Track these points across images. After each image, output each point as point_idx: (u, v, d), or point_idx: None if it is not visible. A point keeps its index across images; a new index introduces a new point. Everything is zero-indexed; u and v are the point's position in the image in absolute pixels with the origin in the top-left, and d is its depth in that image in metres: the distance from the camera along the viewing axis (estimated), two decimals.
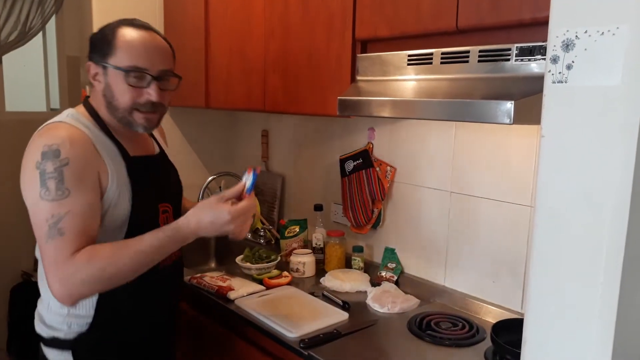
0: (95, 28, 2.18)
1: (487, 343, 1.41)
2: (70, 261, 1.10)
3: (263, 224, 2.39)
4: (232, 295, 1.69)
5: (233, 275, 1.88)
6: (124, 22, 1.25)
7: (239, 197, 1.25)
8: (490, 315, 1.58)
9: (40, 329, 1.30)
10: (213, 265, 2.48)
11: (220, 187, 2.54)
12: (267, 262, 1.94)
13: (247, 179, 1.26)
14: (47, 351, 1.28)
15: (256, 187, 2.49)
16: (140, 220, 1.25)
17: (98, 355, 1.29)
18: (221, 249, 2.50)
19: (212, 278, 1.80)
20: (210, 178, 2.39)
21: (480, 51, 1.23)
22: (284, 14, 1.75)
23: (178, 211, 1.42)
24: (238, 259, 1.98)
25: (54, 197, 1.11)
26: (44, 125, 1.21)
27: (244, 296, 1.70)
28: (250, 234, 2.43)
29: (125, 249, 1.15)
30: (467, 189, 1.66)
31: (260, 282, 1.83)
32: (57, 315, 1.26)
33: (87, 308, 1.25)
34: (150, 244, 1.16)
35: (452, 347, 1.41)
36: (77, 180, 1.13)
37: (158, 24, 2.36)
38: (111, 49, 1.21)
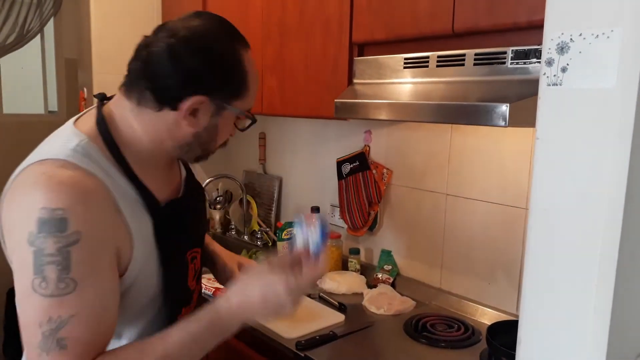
0: (94, 31, 2.22)
1: (483, 345, 1.42)
2: None
3: (260, 226, 2.40)
4: None
5: None
6: (239, 40, 0.93)
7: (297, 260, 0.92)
8: (486, 317, 1.58)
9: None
10: None
11: (217, 190, 2.55)
12: None
13: (310, 233, 0.91)
14: None
15: (253, 190, 2.50)
16: (172, 288, 0.96)
17: None
18: None
19: (210, 280, 1.80)
20: (207, 180, 2.39)
21: (476, 54, 1.24)
22: (282, 17, 1.76)
23: (203, 247, 1.14)
24: None
25: (53, 291, 0.76)
26: (39, 159, 0.83)
27: None
28: (247, 236, 2.43)
29: (148, 355, 0.82)
30: (462, 192, 1.66)
31: None
32: None
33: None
34: (181, 343, 0.83)
35: (447, 349, 1.42)
36: (89, 265, 0.79)
37: (156, 24, 2.36)
38: (243, 89, 0.91)
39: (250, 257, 1.99)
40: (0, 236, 0.86)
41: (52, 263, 0.76)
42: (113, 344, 0.87)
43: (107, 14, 2.23)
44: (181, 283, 1.00)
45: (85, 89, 2.28)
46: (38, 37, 3.07)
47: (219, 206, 2.55)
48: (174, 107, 0.88)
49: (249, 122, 0.98)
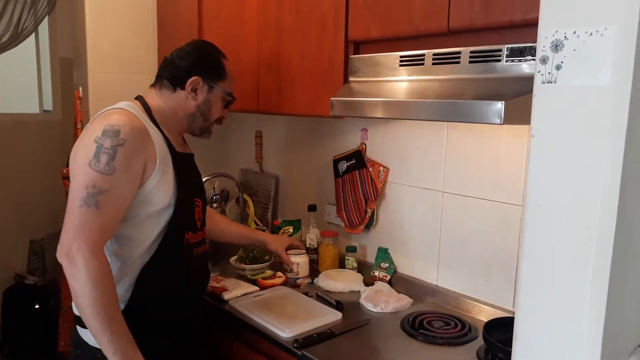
0: (89, 30, 2.21)
1: (480, 342, 1.42)
2: (95, 256, 1.17)
3: (257, 224, 2.40)
4: (226, 295, 1.69)
5: (227, 275, 1.89)
6: (220, 53, 1.50)
7: None
8: (483, 314, 1.59)
9: (76, 309, 1.30)
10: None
11: (214, 188, 2.55)
12: (261, 263, 1.95)
13: None
14: (83, 332, 1.31)
15: (250, 188, 2.51)
16: (181, 210, 1.36)
17: (136, 335, 1.25)
18: (215, 250, 2.49)
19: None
20: (204, 179, 2.38)
21: (471, 52, 1.25)
22: (277, 14, 1.76)
23: (205, 208, 1.53)
24: (232, 260, 1.98)
25: (101, 169, 1.19)
26: (105, 109, 1.32)
27: (238, 297, 1.70)
28: None
29: (108, 314, 1.17)
30: (458, 189, 1.67)
31: (255, 282, 1.83)
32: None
33: (123, 289, 1.30)
34: (110, 331, 1.17)
35: (444, 346, 1.42)
36: (125, 163, 1.22)
37: (151, 25, 2.35)
38: (223, 75, 1.47)
39: (246, 255, 1.99)
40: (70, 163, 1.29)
41: (105, 153, 1.21)
42: (142, 257, 1.33)
43: (101, 13, 2.22)
44: (188, 212, 1.40)
45: (80, 88, 2.27)
46: (32, 36, 3.05)
47: (215, 205, 2.54)
48: (182, 87, 1.41)
49: (230, 99, 1.50)
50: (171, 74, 1.42)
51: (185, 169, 1.41)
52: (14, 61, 3.08)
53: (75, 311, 1.31)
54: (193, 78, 1.40)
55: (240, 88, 1.95)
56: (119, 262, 1.32)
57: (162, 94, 1.42)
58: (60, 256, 1.17)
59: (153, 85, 1.45)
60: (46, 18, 3.03)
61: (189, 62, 1.42)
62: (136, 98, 1.42)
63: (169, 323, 1.41)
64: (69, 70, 2.78)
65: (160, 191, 1.31)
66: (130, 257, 1.32)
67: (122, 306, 1.28)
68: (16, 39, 2.89)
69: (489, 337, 1.33)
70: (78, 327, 1.33)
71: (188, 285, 1.44)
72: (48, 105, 3.30)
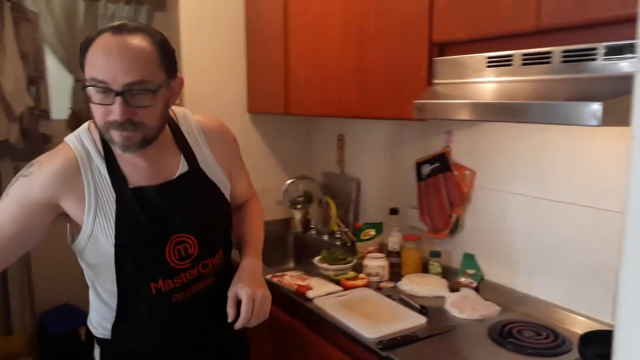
0: (183, 43, 2.37)
1: (574, 355, 1.35)
2: None
3: (339, 226, 2.44)
4: (310, 294, 1.74)
5: (311, 275, 1.94)
6: (106, 28, 1.07)
7: None
8: (577, 326, 1.50)
9: (88, 318, 1.33)
10: (292, 265, 2.56)
11: (298, 190, 2.62)
12: (344, 264, 1.98)
13: None
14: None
15: (332, 190, 2.55)
16: (133, 256, 1.16)
17: None
18: (299, 250, 2.57)
19: (292, 277, 1.87)
20: (288, 182, 2.47)
21: (563, 51, 1.19)
22: (361, 20, 1.78)
23: (211, 239, 1.27)
24: (315, 260, 2.03)
25: (4, 193, 1.12)
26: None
27: (322, 296, 1.74)
28: (326, 236, 2.48)
29: None
30: (551, 194, 1.59)
31: (337, 282, 1.86)
32: (91, 311, 1.30)
33: (107, 321, 1.24)
34: None
35: (535, 357, 1.37)
36: (17, 194, 1.10)
37: (241, 37, 2.47)
38: (84, 59, 1.06)
39: (330, 256, 2.02)
40: None
41: (11, 183, 1.12)
42: (91, 292, 1.26)
43: (195, 26, 2.37)
44: (146, 258, 1.18)
45: None
46: None
47: (299, 206, 2.62)
48: None
49: (96, 90, 1.05)
50: None
51: (146, 206, 1.16)
52: None
53: (92, 330, 1.29)
54: None
55: (324, 93, 2.01)
56: (99, 303, 1.26)
57: None
58: None
59: None
60: None
61: None
62: None
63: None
64: None
65: (99, 239, 1.14)
66: (104, 299, 1.24)
67: (108, 335, 1.25)
68: None
69: (585, 350, 1.26)
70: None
71: (170, 337, 1.27)
72: None
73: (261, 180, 2.61)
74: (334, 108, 1.96)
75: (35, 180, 1.10)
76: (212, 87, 2.43)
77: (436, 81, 1.52)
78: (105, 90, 1.03)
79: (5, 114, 2.58)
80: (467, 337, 1.50)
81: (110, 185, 1.14)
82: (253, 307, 1.21)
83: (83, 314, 3.01)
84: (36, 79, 2.72)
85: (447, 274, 1.90)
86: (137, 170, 1.17)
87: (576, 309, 1.54)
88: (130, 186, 1.16)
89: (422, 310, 1.63)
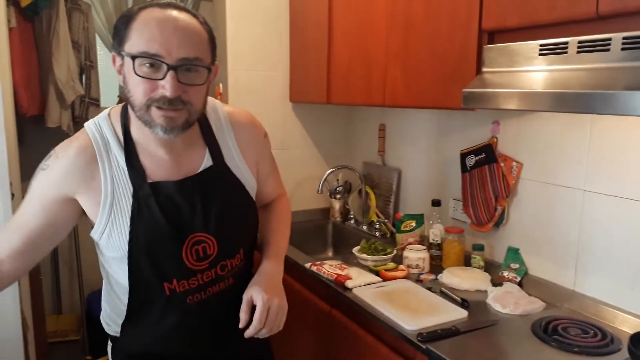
0: (229, 31, 2.39)
1: (624, 355, 1.30)
2: None
3: (378, 217, 2.42)
4: (349, 284, 1.74)
5: (350, 264, 1.94)
6: (150, 4, 1.02)
7: None
8: (627, 325, 1.45)
9: (101, 313, 1.30)
10: (330, 254, 2.57)
11: (337, 180, 2.62)
12: (384, 255, 1.97)
13: None
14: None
15: (372, 181, 2.53)
16: (146, 254, 1.10)
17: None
18: (337, 239, 2.58)
19: (331, 266, 1.87)
20: (328, 171, 2.47)
21: (624, 38, 1.13)
22: (407, 6, 1.75)
23: (232, 240, 1.19)
24: (355, 250, 2.03)
25: (28, 189, 1.09)
26: None
27: (361, 286, 1.74)
28: (365, 226, 2.47)
29: None
30: (603, 188, 1.53)
31: (377, 273, 1.86)
32: (105, 310, 1.26)
33: (119, 317, 1.20)
34: None
35: (582, 355, 1.32)
36: (38, 188, 1.08)
37: (284, 25, 2.48)
38: (127, 33, 0.99)
39: (369, 247, 2.02)
40: None
41: (33, 177, 1.09)
42: (104, 285, 1.22)
43: (240, 15, 2.39)
44: (162, 256, 1.10)
45: (221, 85, 2.47)
46: None
47: (338, 196, 2.62)
48: None
49: (147, 62, 0.98)
50: None
51: (163, 203, 1.09)
52: None
53: (105, 326, 1.27)
54: (112, 57, 1.07)
55: (367, 82, 1.99)
56: (113, 296, 1.22)
57: None
58: None
59: None
60: None
61: None
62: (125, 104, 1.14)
63: None
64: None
65: (112, 234, 1.09)
66: (117, 293, 1.20)
67: (117, 332, 1.22)
68: None
69: (636, 350, 1.21)
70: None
71: (180, 341, 1.20)
72: None
73: (301, 169, 2.63)
74: (378, 97, 1.94)
75: (50, 175, 1.06)
76: (256, 76, 2.45)
77: (485, 69, 1.48)
78: (155, 64, 0.97)
79: (58, 102, 2.69)
80: (510, 332, 1.46)
81: (128, 178, 1.07)
82: (267, 317, 1.13)
83: None
84: (87, 68, 2.81)
85: (490, 267, 1.87)
86: (158, 163, 1.10)
87: (626, 307, 1.48)
88: (149, 180, 1.09)
89: (464, 304, 1.61)
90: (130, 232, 1.08)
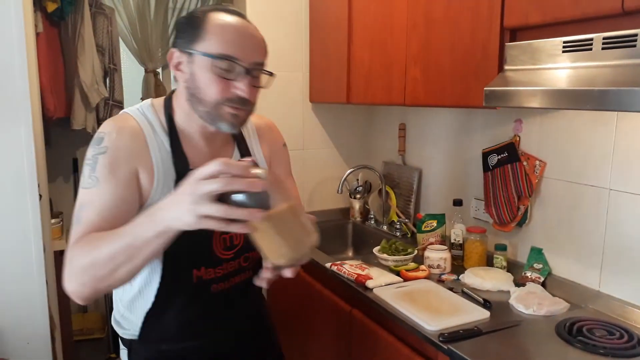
0: None
1: None
2: (70, 248, 0.98)
3: (399, 217, 2.41)
4: (370, 284, 1.74)
5: (370, 264, 1.93)
6: (215, 8, 1.09)
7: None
8: None
9: (112, 318, 1.30)
10: (350, 254, 2.57)
11: (357, 180, 2.62)
12: (404, 255, 1.96)
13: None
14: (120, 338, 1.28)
15: (392, 180, 2.53)
16: (181, 241, 0.99)
17: None
18: (357, 239, 2.57)
19: (352, 266, 1.87)
20: (348, 171, 2.47)
21: None
22: (427, 6, 1.74)
23: None
24: (375, 250, 2.03)
25: (84, 184, 1.05)
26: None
27: (382, 286, 1.74)
28: (385, 226, 2.46)
29: (108, 234, 0.96)
30: (630, 187, 1.50)
31: (397, 273, 1.85)
32: (118, 312, 1.25)
33: (137, 315, 1.20)
34: (121, 231, 0.93)
35: (608, 357, 1.30)
36: (108, 171, 1.04)
37: (304, 26, 2.49)
38: (200, 33, 1.05)
39: (390, 247, 2.01)
40: None
41: (87, 165, 1.06)
42: (150, 286, 1.16)
43: (261, 16, 2.41)
44: (198, 240, 1.09)
45: None
46: None
47: (358, 196, 2.61)
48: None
49: (225, 64, 1.03)
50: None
51: None
52: None
53: (119, 331, 1.26)
54: (170, 52, 1.10)
55: (387, 81, 1.99)
56: (135, 292, 1.19)
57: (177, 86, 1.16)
58: (67, 292, 1.01)
59: None
60: None
61: (170, 36, 1.13)
62: (169, 94, 1.19)
63: None
64: None
65: None
66: (141, 287, 1.18)
67: (136, 334, 1.20)
68: None
69: None
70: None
71: (205, 327, 1.22)
72: None
73: (321, 169, 2.64)
74: (398, 97, 1.93)
75: (115, 154, 1.06)
76: (276, 78, 2.46)
77: (507, 67, 1.46)
78: (233, 66, 1.04)
79: (83, 104, 2.74)
80: (533, 333, 1.44)
81: (172, 164, 1.11)
82: None
83: None
84: (111, 71, 2.86)
85: (513, 268, 1.85)
86: (199, 153, 1.15)
87: None
88: (191, 167, 1.11)
89: (486, 304, 1.59)
90: None
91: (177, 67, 1.09)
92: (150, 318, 1.19)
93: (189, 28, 1.06)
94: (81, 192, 1.05)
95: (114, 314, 1.28)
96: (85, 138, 2.98)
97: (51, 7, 2.52)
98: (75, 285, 0.96)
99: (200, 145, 1.16)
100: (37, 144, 1.96)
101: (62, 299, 2.36)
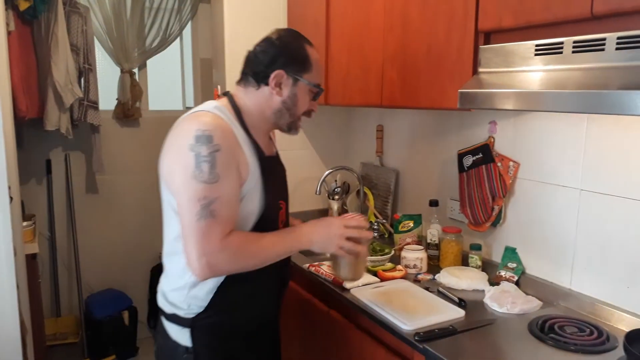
0: (227, 33, 2.40)
1: (619, 352, 1.31)
2: (224, 241, 1.18)
3: (376, 217, 2.43)
4: (347, 284, 1.74)
5: None
6: (305, 40, 1.38)
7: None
8: (623, 323, 1.46)
9: (162, 304, 1.37)
10: (328, 254, 2.56)
11: (335, 181, 2.63)
12: (381, 255, 1.97)
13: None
14: (168, 325, 1.35)
15: (370, 181, 2.54)
16: (267, 215, 1.33)
17: (214, 337, 1.34)
18: None
19: (329, 267, 1.87)
20: (327, 172, 2.47)
21: (618, 38, 1.15)
22: (404, 7, 1.76)
23: (287, 209, 1.47)
24: None
25: (207, 179, 1.17)
26: (190, 112, 1.30)
27: (359, 286, 1.75)
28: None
29: (263, 241, 1.26)
30: (599, 187, 1.54)
31: (375, 274, 1.86)
32: (179, 294, 1.32)
33: (205, 291, 1.30)
34: (275, 243, 1.29)
35: (578, 354, 1.33)
36: (225, 167, 1.20)
37: (282, 24, 2.49)
38: (308, 66, 1.35)
39: (370, 248, 2.02)
40: (161, 180, 1.30)
41: (205, 161, 1.18)
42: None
43: (238, 18, 2.40)
44: (273, 217, 1.37)
45: (219, 87, 2.47)
46: (178, 39, 3.37)
47: (336, 197, 2.62)
48: (266, 83, 1.33)
49: (317, 91, 1.38)
50: (254, 69, 1.34)
51: (271, 173, 1.36)
52: (162, 63, 3.43)
53: (162, 306, 1.37)
54: (276, 72, 1.31)
55: (364, 83, 2.00)
56: None
57: (247, 92, 1.35)
58: (199, 272, 1.20)
59: (239, 83, 1.39)
60: (189, 23, 3.34)
61: (271, 55, 1.32)
62: (224, 94, 1.39)
63: (246, 329, 1.39)
64: (208, 70, 3.04)
65: (249, 199, 1.28)
66: None
67: (202, 308, 1.31)
68: (164, 43, 3.22)
69: (631, 348, 1.22)
70: (163, 319, 1.38)
71: (267, 290, 1.42)
72: (190, 102, 3.62)
73: (300, 171, 2.63)
74: (375, 98, 1.95)
75: (227, 149, 1.22)
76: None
77: (482, 70, 1.49)
78: (320, 92, 1.39)
79: (57, 105, 2.69)
80: (507, 331, 1.47)
81: (253, 154, 1.30)
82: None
83: (127, 299, 3.13)
84: (86, 71, 2.82)
85: (487, 267, 1.87)
86: (264, 143, 1.36)
87: (622, 305, 1.49)
88: (265, 155, 1.35)
89: (461, 304, 1.61)
90: (263, 190, 1.31)
91: (277, 84, 1.33)
92: (221, 290, 1.31)
93: (298, 59, 1.34)
94: (202, 186, 1.18)
95: (168, 296, 1.36)
96: (58, 139, 2.92)
97: (23, 5, 2.47)
98: (233, 267, 1.24)
99: (261, 138, 1.37)
100: (8, 144, 1.91)
101: (33, 303, 2.31)
